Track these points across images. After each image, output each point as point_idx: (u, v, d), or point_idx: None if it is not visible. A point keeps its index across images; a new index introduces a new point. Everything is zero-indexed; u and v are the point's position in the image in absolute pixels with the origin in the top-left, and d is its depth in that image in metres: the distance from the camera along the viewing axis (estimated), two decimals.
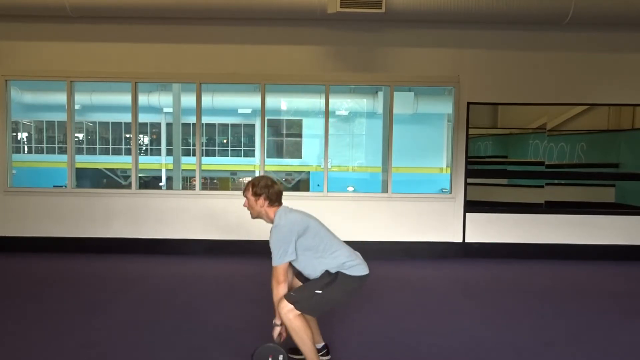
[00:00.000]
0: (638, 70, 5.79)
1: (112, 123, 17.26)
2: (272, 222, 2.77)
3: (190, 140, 15.46)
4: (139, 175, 6.07)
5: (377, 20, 5.55)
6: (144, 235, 5.82)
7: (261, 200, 2.78)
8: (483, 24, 5.63)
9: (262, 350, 2.63)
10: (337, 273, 2.68)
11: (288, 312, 2.58)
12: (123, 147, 17.14)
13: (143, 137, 17.42)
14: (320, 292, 2.63)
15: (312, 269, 2.73)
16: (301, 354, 2.94)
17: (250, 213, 2.86)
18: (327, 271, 2.70)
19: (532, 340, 3.34)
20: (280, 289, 2.64)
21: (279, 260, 2.62)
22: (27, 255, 5.62)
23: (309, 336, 2.62)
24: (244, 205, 2.85)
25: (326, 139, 5.97)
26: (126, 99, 6.12)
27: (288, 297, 2.61)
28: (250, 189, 2.81)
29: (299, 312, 2.59)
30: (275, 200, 2.80)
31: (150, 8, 5.24)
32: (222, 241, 5.82)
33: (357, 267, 2.72)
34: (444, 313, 3.90)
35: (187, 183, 12.54)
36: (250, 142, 17.68)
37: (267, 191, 2.78)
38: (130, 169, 6.09)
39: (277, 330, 2.72)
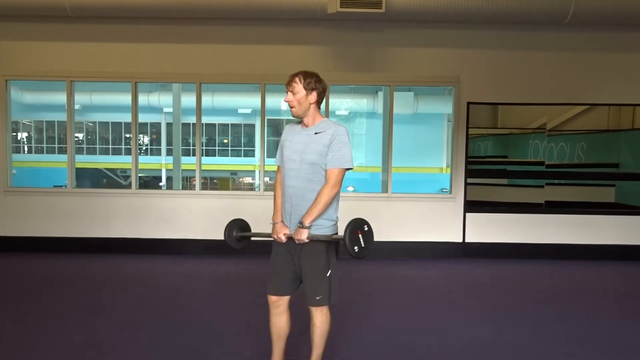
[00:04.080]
0: (638, 70, 5.79)
1: (112, 123, 17.26)
2: (311, 124, 2.51)
3: (190, 140, 15.46)
4: (139, 175, 6.07)
5: (377, 20, 5.55)
6: (144, 235, 5.82)
7: (313, 96, 2.46)
8: (483, 24, 5.63)
9: (355, 223, 2.36)
10: (332, 248, 2.53)
11: (324, 314, 2.54)
12: (123, 147, 17.15)
13: (143, 137, 17.43)
14: (329, 272, 2.51)
15: (305, 196, 2.49)
16: None
17: (294, 110, 2.47)
18: (326, 248, 2.50)
19: (532, 340, 3.34)
20: (334, 192, 2.44)
21: (350, 164, 2.46)
22: (27, 255, 5.61)
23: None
24: (287, 100, 2.47)
25: None
26: (126, 99, 6.12)
27: (320, 302, 2.50)
28: (302, 80, 2.44)
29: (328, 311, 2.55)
30: (322, 100, 2.52)
31: (150, 8, 5.24)
32: (222, 241, 5.79)
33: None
34: (444, 313, 3.90)
35: (187, 183, 12.54)
36: (250, 142, 17.69)
37: (320, 86, 2.48)
38: (130, 169, 6.09)
39: (287, 231, 2.50)
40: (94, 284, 4.58)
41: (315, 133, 2.49)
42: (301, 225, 2.41)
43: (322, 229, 2.48)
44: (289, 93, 2.47)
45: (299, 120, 2.57)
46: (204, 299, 4.15)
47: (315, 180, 2.48)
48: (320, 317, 2.54)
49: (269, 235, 2.59)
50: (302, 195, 2.48)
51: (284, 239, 2.49)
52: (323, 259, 2.50)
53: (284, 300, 2.60)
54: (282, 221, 2.56)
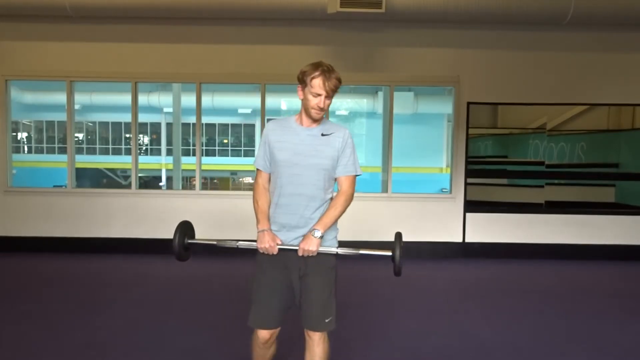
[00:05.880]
0: (638, 70, 5.79)
1: (112, 123, 17.25)
2: (315, 124, 2.19)
3: (190, 140, 15.45)
4: (139, 175, 6.07)
5: (377, 20, 5.55)
6: (144, 235, 5.82)
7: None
8: (483, 24, 5.63)
9: None
10: (335, 256, 2.22)
11: (326, 340, 2.22)
12: (123, 147, 17.14)
13: (143, 137, 17.42)
14: (334, 290, 2.22)
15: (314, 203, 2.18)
16: None
17: (321, 114, 2.15)
18: (333, 256, 2.22)
19: (532, 340, 3.34)
20: (350, 202, 2.21)
21: (360, 169, 2.25)
22: (27, 255, 5.61)
23: None
24: (324, 106, 2.11)
25: None
26: (126, 99, 6.12)
27: (329, 325, 2.18)
28: (339, 81, 2.11)
29: None
30: None
31: (150, 8, 5.24)
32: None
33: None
34: (444, 313, 3.90)
35: (187, 183, 12.53)
36: (250, 142, 17.67)
37: None
38: (130, 169, 6.09)
39: (277, 240, 2.16)
40: (94, 284, 4.58)
41: (322, 135, 2.18)
42: (314, 234, 2.09)
43: (329, 240, 2.21)
44: (325, 100, 2.09)
45: (289, 116, 2.26)
46: (204, 299, 4.15)
47: (325, 189, 2.18)
48: (322, 344, 2.19)
49: (238, 243, 2.31)
50: (310, 205, 2.16)
51: (276, 249, 2.13)
52: (334, 273, 2.21)
53: (276, 332, 2.23)
54: (271, 229, 2.19)
